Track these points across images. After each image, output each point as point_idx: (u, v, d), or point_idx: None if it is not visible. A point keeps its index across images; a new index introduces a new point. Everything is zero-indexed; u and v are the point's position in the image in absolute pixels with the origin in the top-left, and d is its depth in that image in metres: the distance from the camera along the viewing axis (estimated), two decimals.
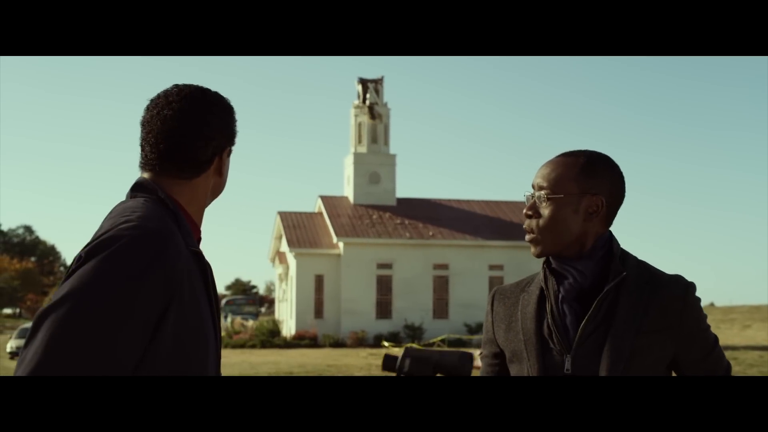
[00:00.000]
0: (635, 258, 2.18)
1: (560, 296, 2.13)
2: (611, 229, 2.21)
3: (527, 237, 2.18)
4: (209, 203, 2.04)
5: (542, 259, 2.19)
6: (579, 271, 2.12)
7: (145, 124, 1.94)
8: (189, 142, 1.91)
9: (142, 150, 1.94)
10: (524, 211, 2.18)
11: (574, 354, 2.05)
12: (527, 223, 2.18)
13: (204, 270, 1.88)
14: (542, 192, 2.15)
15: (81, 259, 1.70)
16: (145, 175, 1.94)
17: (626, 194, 2.21)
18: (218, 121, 1.97)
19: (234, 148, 2.05)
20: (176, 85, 1.97)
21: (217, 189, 2.04)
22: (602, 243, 2.16)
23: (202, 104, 1.95)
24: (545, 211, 2.14)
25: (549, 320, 2.13)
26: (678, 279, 2.14)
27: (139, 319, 1.66)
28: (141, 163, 1.95)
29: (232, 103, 2.04)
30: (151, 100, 1.96)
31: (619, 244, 2.18)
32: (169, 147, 1.91)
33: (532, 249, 2.17)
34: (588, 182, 2.14)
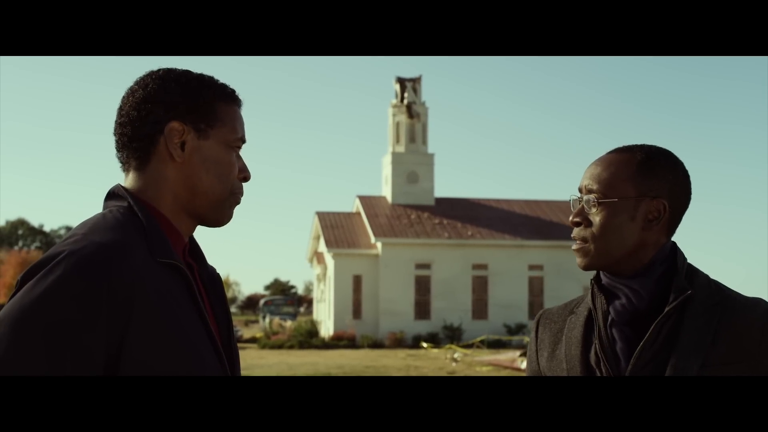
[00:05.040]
0: (706, 276, 1.88)
1: (610, 318, 1.85)
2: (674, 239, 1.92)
3: (574, 246, 1.90)
4: (199, 206, 1.77)
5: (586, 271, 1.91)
6: (634, 290, 1.84)
7: None
8: (127, 118, 1.73)
9: None
10: (571, 218, 1.89)
11: None
12: (575, 232, 1.88)
13: (186, 282, 1.68)
14: (592, 195, 1.86)
15: (18, 283, 1.56)
16: (121, 182, 1.79)
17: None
18: (156, 89, 1.74)
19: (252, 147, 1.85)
20: None
21: (189, 182, 1.75)
22: (663, 256, 1.87)
23: (145, 80, 1.76)
24: (596, 217, 1.85)
25: (597, 346, 1.85)
26: (758, 303, 1.81)
27: (78, 345, 1.49)
28: None
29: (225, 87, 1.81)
30: None
31: (684, 258, 1.88)
32: (117, 134, 1.76)
33: (579, 260, 1.88)
34: (646, 183, 1.85)
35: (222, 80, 1.84)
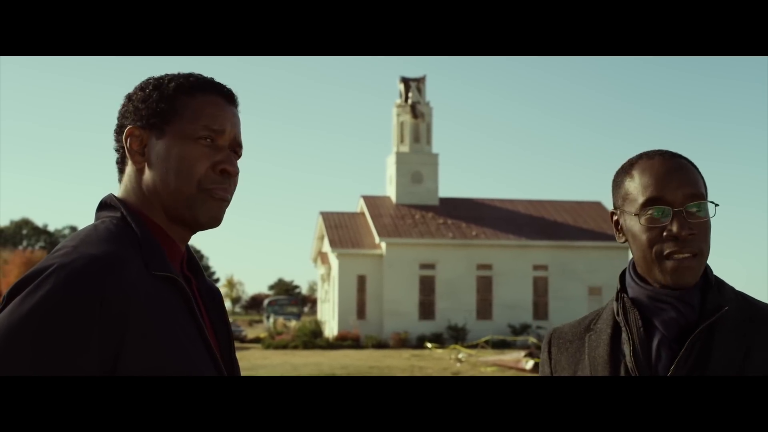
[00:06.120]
0: (732, 288, 1.82)
1: (659, 335, 1.75)
2: None
3: (690, 262, 1.73)
4: (173, 207, 1.65)
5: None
6: (685, 302, 1.74)
7: None
8: (114, 131, 1.73)
9: None
10: (686, 232, 1.72)
11: None
12: (688, 244, 1.73)
13: (184, 296, 1.59)
14: (704, 202, 1.76)
15: (5, 298, 1.46)
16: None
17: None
18: (127, 100, 1.70)
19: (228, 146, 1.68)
20: None
21: (156, 184, 1.64)
22: None
23: (128, 93, 1.73)
24: (704, 226, 1.75)
25: (630, 364, 1.75)
26: None
27: (69, 366, 1.41)
28: None
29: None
30: None
31: (711, 269, 1.82)
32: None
33: (691, 278, 1.73)
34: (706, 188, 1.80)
35: (222, 79, 1.77)
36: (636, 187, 1.80)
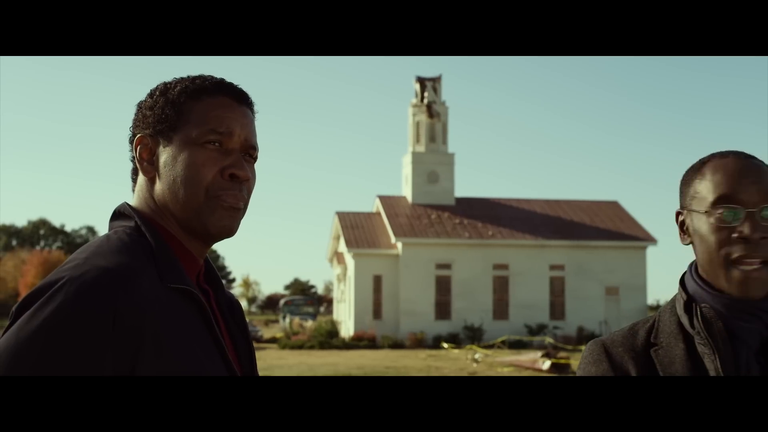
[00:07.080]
0: None
1: (744, 349, 1.66)
2: None
3: (759, 273, 1.65)
4: (183, 217, 1.57)
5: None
6: (767, 312, 1.66)
7: None
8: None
9: None
10: (761, 234, 1.65)
11: None
12: (766, 251, 1.65)
13: (201, 309, 1.51)
14: None
15: (14, 314, 1.39)
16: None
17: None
18: (138, 108, 1.64)
19: (260, 153, 1.64)
20: None
21: (166, 194, 1.57)
22: None
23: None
24: None
25: None
26: None
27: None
28: None
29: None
30: None
31: None
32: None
33: (757, 289, 1.65)
34: None
35: (238, 80, 1.71)
36: (707, 185, 1.71)
